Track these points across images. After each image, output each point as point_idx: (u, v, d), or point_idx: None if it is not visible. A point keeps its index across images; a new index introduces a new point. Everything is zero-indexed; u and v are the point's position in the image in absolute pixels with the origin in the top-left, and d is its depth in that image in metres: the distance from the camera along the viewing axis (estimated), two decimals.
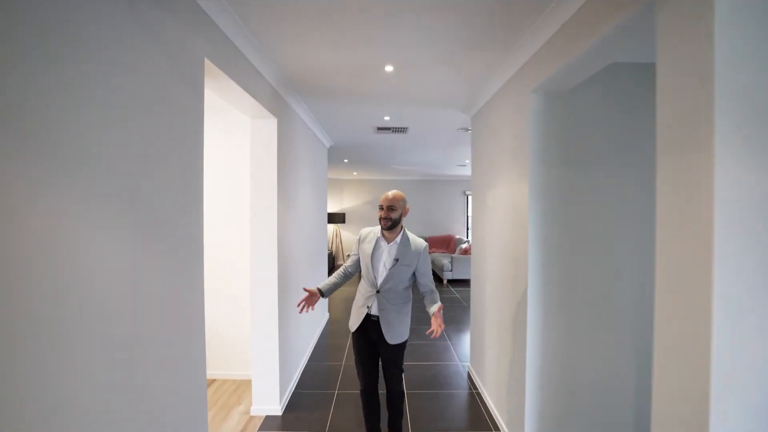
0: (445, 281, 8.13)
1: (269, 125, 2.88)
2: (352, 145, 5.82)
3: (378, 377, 2.32)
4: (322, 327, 4.97)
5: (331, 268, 9.80)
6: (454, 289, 7.59)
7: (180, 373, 1.55)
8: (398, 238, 2.18)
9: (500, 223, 2.78)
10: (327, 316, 5.51)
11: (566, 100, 2.22)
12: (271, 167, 2.88)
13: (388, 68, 2.62)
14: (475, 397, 3.18)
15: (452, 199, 11.03)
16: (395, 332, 2.17)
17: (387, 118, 4.06)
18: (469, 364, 3.73)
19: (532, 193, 2.21)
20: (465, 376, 3.60)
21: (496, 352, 2.86)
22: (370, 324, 2.19)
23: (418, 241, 2.21)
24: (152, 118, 1.36)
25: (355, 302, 2.30)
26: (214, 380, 3.49)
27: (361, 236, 2.28)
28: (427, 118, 4.08)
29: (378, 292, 2.16)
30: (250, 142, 2.90)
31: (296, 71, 2.71)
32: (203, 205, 1.72)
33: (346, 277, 2.35)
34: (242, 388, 3.35)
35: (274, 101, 2.83)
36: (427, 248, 2.23)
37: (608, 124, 2.24)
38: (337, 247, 10.96)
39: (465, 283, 8.10)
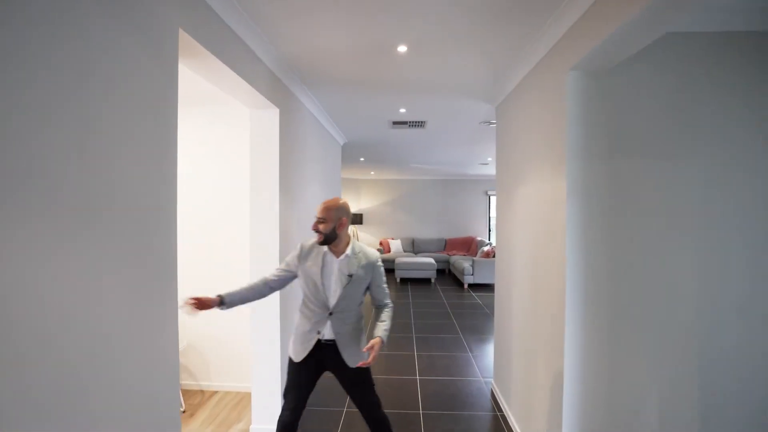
0: (466, 286, 7.74)
1: (270, 116, 2.61)
2: (367, 142, 5.53)
3: (302, 414, 1.95)
4: None
5: None
6: (476, 294, 7.20)
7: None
8: (348, 251, 1.89)
9: (530, 225, 2.43)
10: None
11: (612, 78, 1.86)
12: (272, 162, 2.62)
13: (401, 48, 2.31)
14: (499, 420, 2.83)
15: (473, 200, 10.61)
16: (356, 353, 1.91)
17: (403, 110, 3.75)
18: (492, 381, 3.38)
19: (570, 191, 1.86)
20: (488, 394, 3.24)
21: (524, 369, 2.51)
22: (323, 351, 1.89)
23: (369, 253, 1.95)
24: (102, 100, 1.10)
25: (296, 329, 1.95)
26: (215, 392, 3.26)
27: (302, 252, 1.91)
28: (447, 110, 3.75)
29: (331, 314, 1.87)
30: (250, 135, 2.64)
31: (298, 54, 2.44)
32: (176, 210, 1.45)
33: (260, 294, 1.91)
34: (244, 402, 3.10)
35: (275, 89, 2.57)
36: (380, 260, 1.99)
37: (664, 106, 1.87)
38: None
39: (487, 288, 7.69)
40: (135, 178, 1.25)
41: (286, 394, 1.95)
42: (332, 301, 1.86)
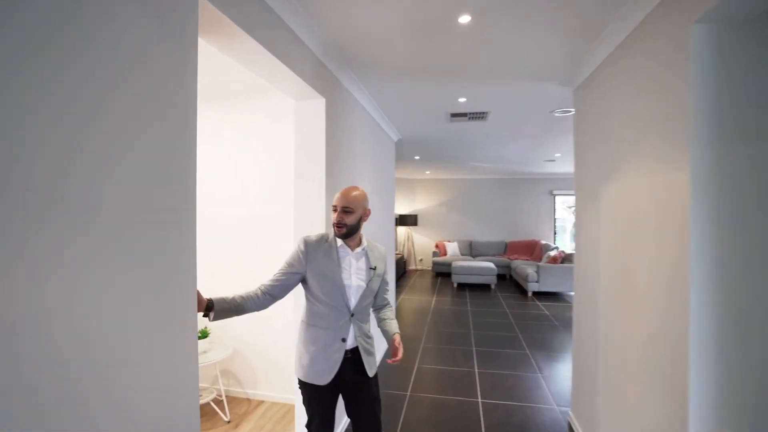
0: (529, 293, 7.11)
1: (315, 107, 2.38)
2: (422, 139, 5.20)
3: None
4: (381, 351, 4.40)
5: (402, 273, 9.26)
6: (542, 303, 6.56)
7: None
8: (365, 244, 1.74)
9: (629, 227, 1.95)
10: None
11: (757, 30, 1.37)
12: (318, 158, 2.38)
13: (464, 19, 1.96)
14: None
15: (537, 200, 9.83)
16: (373, 359, 1.74)
17: (462, 99, 3.37)
18: (570, 411, 2.88)
19: (696, 183, 1.39)
20: (565, 427, 2.76)
21: (618, 402, 2.03)
22: (346, 364, 1.64)
23: (379, 246, 1.82)
24: (109, 87, 0.88)
25: (308, 345, 1.63)
26: (261, 402, 3.10)
27: (309, 246, 1.64)
28: (513, 97, 3.31)
29: (353, 315, 1.66)
30: (294, 129, 2.43)
31: (346, 36, 2.17)
32: (195, 214, 1.22)
33: (258, 304, 1.58)
34: (290, 415, 2.90)
35: (321, 77, 2.32)
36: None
37: None
38: (408, 250, 10.40)
39: (554, 297, 7.00)
40: (141, 176, 1.03)
41: (314, 427, 1.67)
42: (353, 300, 1.65)
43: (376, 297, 1.80)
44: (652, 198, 1.70)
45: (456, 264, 8.02)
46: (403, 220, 9.94)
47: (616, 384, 2.06)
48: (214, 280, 3.00)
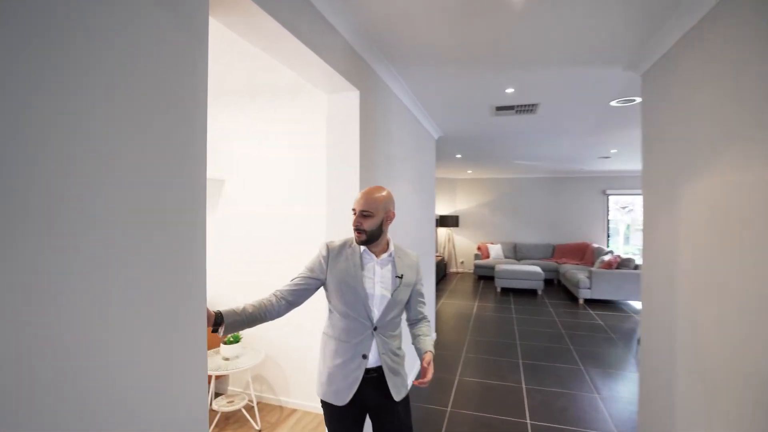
0: (581, 301, 6.59)
1: (349, 100, 2.21)
2: (465, 135, 4.91)
3: None
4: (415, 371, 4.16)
5: (443, 276, 8.96)
6: (594, 312, 6.04)
7: None
8: (392, 249, 1.56)
9: (721, 231, 1.61)
10: (434, 335, 4.68)
11: None
12: (351, 156, 2.21)
13: None
14: None
15: (588, 200, 9.17)
16: (401, 380, 1.55)
17: (510, 90, 3.08)
18: None
19: None
20: None
21: None
22: (367, 384, 1.47)
23: (409, 252, 1.64)
24: (103, 77, 0.74)
25: (327, 361, 1.50)
26: (294, 411, 2.98)
27: (330, 251, 1.51)
28: (567, 86, 2.97)
29: (375, 329, 1.48)
30: (326, 124, 2.27)
31: (381, 20, 1.98)
32: (204, 215, 1.08)
33: (273, 312, 1.42)
34: (323, 427, 2.76)
35: (355, 67, 2.15)
36: (420, 260, 1.68)
37: None
38: (449, 252, 10.07)
39: (609, 305, 6.44)
40: (142, 175, 0.89)
41: None
42: (376, 311, 1.48)
43: (408, 310, 1.64)
44: (761, 197, 1.37)
45: (500, 267, 7.62)
46: (444, 221, 9.63)
47: (703, 414, 1.72)
48: (246, 281, 2.92)
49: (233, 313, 1.33)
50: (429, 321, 1.66)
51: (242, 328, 1.37)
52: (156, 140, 0.92)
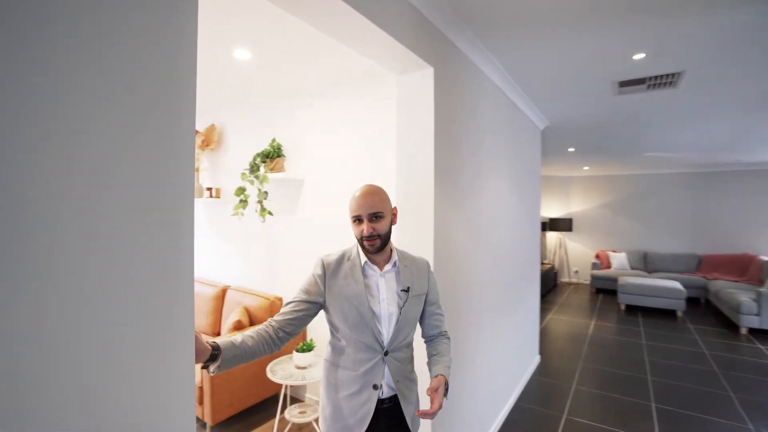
0: (742, 330, 5.12)
1: (420, 80, 1.86)
2: (578, 124, 4.14)
3: None
4: (527, 374, 3.57)
5: (552, 287, 7.96)
6: (764, 346, 4.61)
7: None
8: (395, 258, 1.37)
9: None
10: (537, 359, 4.03)
11: None
12: (423, 147, 1.86)
13: None
14: None
15: (749, 201, 7.22)
16: (414, 409, 1.37)
17: (639, 56, 2.37)
18: None
19: None
20: None
21: None
22: (379, 416, 1.29)
23: (416, 258, 1.45)
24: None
25: (334, 389, 1.32)
26: None
27: (327, 268, 1.33)
28: (726, 43, 2.16)
29: (387, 353, 1.30)
30: (396, 109, 1.96)
31: None
32: (192, 215, 0.84)
33: (272, 345, 1.23)
34: None
35: (428, 39, 1.79)
36: (431, 266, 1.53)
37: None
38: (560, 260, 8.94)
39: None
40: (122, 176, 0.68)
41: None
42: (386, 333, 1.30)
43: (422, 325, 1.45)
44: None
45: (625, 280, 6.41)
46: (555, 225, 8.56)
47: None
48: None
49: (231, 346, 1.13)
50: (448, 337, 1.45)
51: (239, 364, 1.16)
52: (136, 140, 0.71)
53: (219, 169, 3.68)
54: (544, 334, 4.92)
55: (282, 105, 3.17)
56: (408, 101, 1.91)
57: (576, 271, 8.97)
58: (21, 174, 0.60)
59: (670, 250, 7.78)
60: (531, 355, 3.85)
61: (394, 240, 2.46)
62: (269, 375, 2.46)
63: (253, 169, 3.08)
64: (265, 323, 1.27)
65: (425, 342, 1.46)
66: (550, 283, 7.75)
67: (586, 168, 7.92)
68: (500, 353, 2.83)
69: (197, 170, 3.65)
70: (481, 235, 2.47)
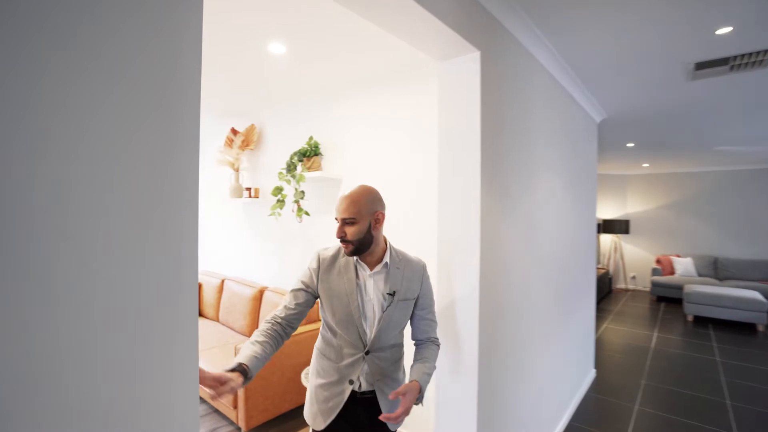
0: None
1: (465, 66, 1.67)
2: (641, 115, 3.74)
3: None
4: (582, 390, 3.25)
5: (607, 293, 7.39)
6: None
7: None
8: (387, 259, 1.35)
9: None
10: (593, 373, 3.68)
11: None
12: (468, 140, 1.67)
13: None
14: None
15: None
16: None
17: (725, 30, 2.03)
18: None
19: None
20: None
21: None
22: (356, 409, 1.35)
23: (413, 260, 1.41)
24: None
25: (316, 374, 1.41)
26: None
27: (321, 263, 1.38)
28: None
29: (368, 352, 1.33)
30: (438, 99, 1.78)
31: None
32: (196, 215, 0.73)
33: (281, 338, 1.31)
34: None
35: (473, 19, 1.60)
36: (427, 269, 1.44)
37: None
38: (616, 265, 8.29)
39: None
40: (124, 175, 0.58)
41: None
42: (369, 333, 1.34)
43: (413, 328, 1.44)
44: None
45: (693, 289, 5.79)
46: (609, 227, 7.94)
47: None
48: None
49: (256, 361, 1.19)
50: (437, 344, 1.43)
51: (260, 370, 1.23)
52: (138, 139, 0.61)
53: (258, 169, 3.66)
54: (599, 346, 4.52)
55: (319, 101, 3.09)
56: (451, 91, 1.73)
57: (633, 277, 8.29)
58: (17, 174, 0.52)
59: (747, 256, 6.96)
60: (586, 369, 3.51)
61: (428, 244, 2.30)
62: (303, 382, 2.36)
63: (290, 168, 3.02)
64: (271, 321, 1.32)
65: (414, 344, 1.45)
66: (605, 290, 7.20)
67: (646, 165, 7.28)
68: (552, 366, 2.57)
69: (237, 171, 3.66)
70: (533, 240, 2.23)
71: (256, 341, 1.23)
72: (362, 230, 1.28)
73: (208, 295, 3.81)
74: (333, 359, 1.36)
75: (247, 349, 1.20)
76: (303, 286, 1.37)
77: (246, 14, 1.88)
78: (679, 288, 6.55)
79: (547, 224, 2.45)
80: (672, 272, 7.16)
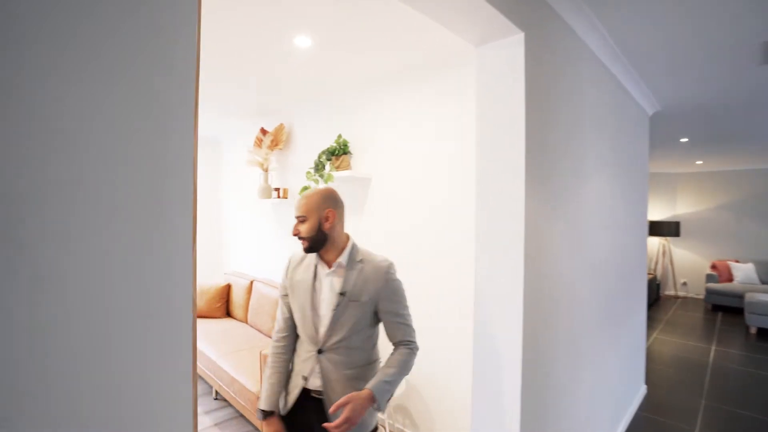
0: None
1: (507, 50, 1.50)
2: (699, 107, 3.39)
3: None
4: (632, 409, 2.96)
5: (655, 300, 6.90)
6: None
7: None
8: (342, 259, 1.35)
9: None
10: (643, 389, 3.37)
11: None
12: (511, 134, 1.50)
13: None
14: None
15: None
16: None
17: None
18: None
19: None
20: None
21: None
22: (307, 407, 1.33)
23: (376, 260, 1.37)
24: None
25: (287, 365, 1.45)
26: None
27: (292, 261, 1.44)
28: None
29: (320, 351, 1.33)
30: (476, 89, 1.61)
31: None
32: (191, 213, 0.63)
33: (287, 361, 1.42)
34: None
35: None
36: (393, 270, 1.37)
37: None
38: (664, 269, 7.74)
39: None
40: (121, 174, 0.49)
41: None
42: (322, 331, 1.33)
43: (387, 333, 1.40)
44: None
45: (755, 297, 5.28)
46: (656, 229, 7.40)
47: None
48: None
49: (278, 400, 1.38)
50: (410, 348, 1.36)
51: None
52: (131, 139, 0.51)
53: (287, 169, 3.61)
54: (648, 359, 4.15)
55: (347, 98, 2.98)
56: (491, 78, 1.56)
57: (684, 283, 7.70)
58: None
59: None
60: (636, 385, 3.22)
61: (466, 247, 2.14)
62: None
63: (318, 167, 2.93)
64: (277, 348, 1.41)
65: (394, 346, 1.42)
66: (652, 297, 6.71)
67: (700, 162, 6.73)
68: (600, 380, 2.33)
69: (266, 171, 3.62)
70: (581, 245, 2.01)
71: (273, 376, 1.39)
72: (313, 227, 1.32)
73: (237, 297, 3.79)
74: (297, 353, 1.41)
75: (267, 391, 1.37)
76: (282, 292, 1.46)
77: (268, 8, 1.79)
78: (740, 296, 5.99)
79: (596, 227, 2.22)
80: (730, 279, 6.58)
